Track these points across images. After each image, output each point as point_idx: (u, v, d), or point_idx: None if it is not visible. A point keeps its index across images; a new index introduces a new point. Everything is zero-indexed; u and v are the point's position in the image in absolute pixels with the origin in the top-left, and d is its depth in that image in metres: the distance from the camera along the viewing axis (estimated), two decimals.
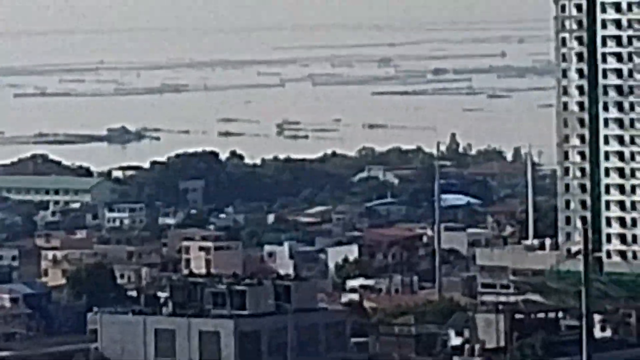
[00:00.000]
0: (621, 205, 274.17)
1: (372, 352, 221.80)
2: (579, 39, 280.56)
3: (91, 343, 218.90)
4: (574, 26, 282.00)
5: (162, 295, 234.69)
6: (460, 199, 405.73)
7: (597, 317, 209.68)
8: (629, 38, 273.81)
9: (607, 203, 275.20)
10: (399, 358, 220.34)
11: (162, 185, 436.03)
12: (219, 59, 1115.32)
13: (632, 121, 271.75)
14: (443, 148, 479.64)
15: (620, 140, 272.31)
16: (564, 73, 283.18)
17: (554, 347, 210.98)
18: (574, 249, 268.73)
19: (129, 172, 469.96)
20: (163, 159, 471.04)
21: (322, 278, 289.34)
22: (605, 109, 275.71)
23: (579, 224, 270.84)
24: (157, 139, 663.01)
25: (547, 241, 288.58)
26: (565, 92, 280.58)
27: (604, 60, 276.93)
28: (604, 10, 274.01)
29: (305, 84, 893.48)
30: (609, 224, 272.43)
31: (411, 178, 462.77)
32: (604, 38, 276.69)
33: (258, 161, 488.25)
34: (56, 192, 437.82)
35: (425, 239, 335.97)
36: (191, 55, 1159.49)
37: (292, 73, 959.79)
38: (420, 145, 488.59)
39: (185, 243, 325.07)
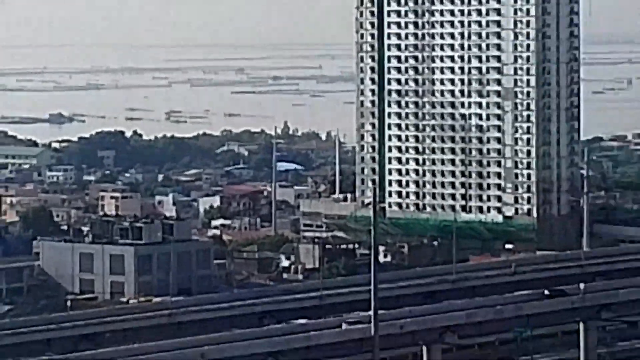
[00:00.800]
0: (399, 171, 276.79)
1: (228, 270, 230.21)
2: (372, 57, 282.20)
3: (35, 261, 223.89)
4: (369, 48, 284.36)
5: (85, 229, 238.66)
6: (290, 166, 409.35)
7: (381, 248, 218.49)
8: (406, 57, 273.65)
9: (390, 170, 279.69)
10: (246, 274, 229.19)
11: (86, 153, 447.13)
12: (127, 67, 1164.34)
13: (407, 115, 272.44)
14: (279, 131, 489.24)
15: (399, 127, 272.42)
16: (362, 80, 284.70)
17: (352, 268, 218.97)
18: (366, 201, 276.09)
19: (64, 144, 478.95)
20: (87, 135, 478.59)
21: (194, 219, 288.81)
22: (389, 105, 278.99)
23: (370, 184, 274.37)
24: (83, 121, 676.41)
25: (349, 195, 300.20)
26: (362, 93, 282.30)
27: (389, 72, 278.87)
28: (389, 37, 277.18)
29: (186, 85, 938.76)
30: (390, 184, 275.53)
31: (257, 151, 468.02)
32: (389, 57, 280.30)
33: (152, 138, 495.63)
34: (13, 157, 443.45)
35: (265, 193, 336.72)
36: (107, 63, 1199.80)
37: (177, 78, 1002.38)
38: (263, 129, 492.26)
39: (101, 193, 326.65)
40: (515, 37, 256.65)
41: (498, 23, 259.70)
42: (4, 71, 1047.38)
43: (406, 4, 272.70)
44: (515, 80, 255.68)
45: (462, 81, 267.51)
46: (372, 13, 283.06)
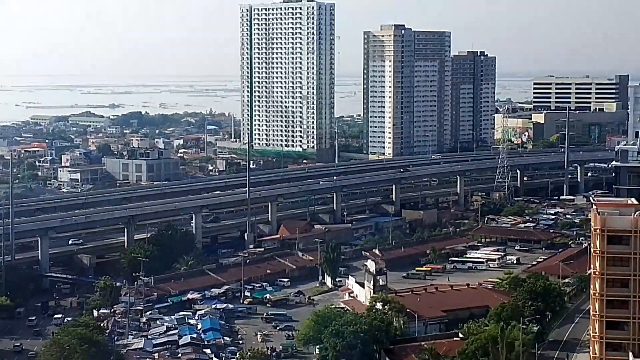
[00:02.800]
0: (258, 129, 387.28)
1: None
2: (247, 77, 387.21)
3: (103, 167, 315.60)
4: (246, 82, 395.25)
5: (124, 153, 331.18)
6: (212, 127, 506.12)
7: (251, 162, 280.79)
8: (260, 77, 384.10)
9: (254, 129, 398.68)
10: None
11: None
12: None
13: (263, 103, 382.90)
14: (209, 112, 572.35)
15: (259, 111, 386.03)
16: (242, 90, 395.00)
17: (243, 169, 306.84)
18: (245, 141, 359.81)
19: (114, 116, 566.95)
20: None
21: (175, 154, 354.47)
22: (253, 102, 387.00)
23: (247, 134, 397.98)
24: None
25: (238, 139, 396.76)
26: (242, 96, 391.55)
27: (253, 84, 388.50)
28: (256, 76, 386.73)
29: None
30: (253, 135, 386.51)
31: (200, 120, 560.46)
32: (254, 76, 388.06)
33: (154, 114, 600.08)
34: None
35: (202, 138, 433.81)
36: None
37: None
38: (201, 111, 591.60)
39: (130, 137, 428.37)
40: (308, 72, 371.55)
41: (300, 61, 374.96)
42: None
43: (259, 50, 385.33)
44: (308, 90, 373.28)
45: (285, 88, 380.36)
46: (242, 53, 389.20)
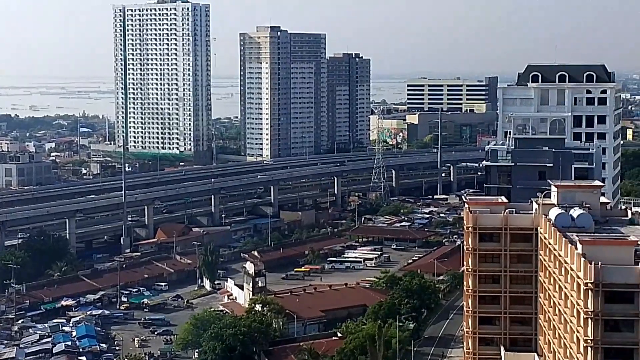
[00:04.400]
0: (133, 131, 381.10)
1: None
2: (120, 79, 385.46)
3: None
4: (120, 84, 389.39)
5: None
6: (86, 129, 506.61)
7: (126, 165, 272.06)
8: (135, 79, 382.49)
9: (128, 131, 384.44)
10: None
11: None
12: None
13: (136, 104, 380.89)
14: (82, 114, 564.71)
15: (134, 113, 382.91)
16: (117, 91, 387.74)
17: (117, 172, 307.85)
18: (120, 144, 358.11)
19: None
20: None
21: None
22: (127, 103, 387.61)
23: (122, 136, 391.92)
24: None
25: (113, 142, 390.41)
26: (117, 97, 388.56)
27: (127, 86, 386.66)
28: (130, 77, 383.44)
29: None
30: (128, 138, 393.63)
31: (72, 122, 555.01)
32: (127, 79, 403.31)
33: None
34: None
35: (75, 141, 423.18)
36: None
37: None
38: (74, 113, 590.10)
39: None
40: (184, 74, 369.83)
41: (175, 63, 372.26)
42: None
43: (134, 51, 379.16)
44: (184, 92, 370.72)
45: (161, 90, 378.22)
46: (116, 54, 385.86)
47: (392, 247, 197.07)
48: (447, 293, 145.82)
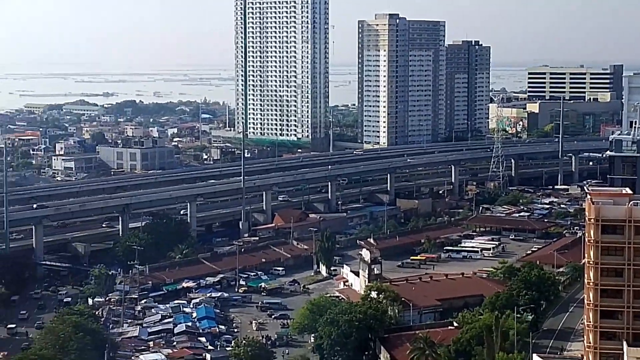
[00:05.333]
0: (253, 117, 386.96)
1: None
2: (241, 67, 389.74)
3: (97, 155, 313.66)
4: (241, 71, 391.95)
5: (118, 141, 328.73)
6: (208, 115, 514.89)
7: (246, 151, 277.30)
8: (254, 67, 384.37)
9: (248, 117, 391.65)
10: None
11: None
12: None
13: (257, 94, 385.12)
14: (203, 100, 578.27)
15: (254, 100, 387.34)
16: (237, 79, 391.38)
17: (237, 158, 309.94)
18: (239, 130, 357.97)
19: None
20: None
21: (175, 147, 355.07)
22: (247, 90, 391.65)
23: (241, 123, 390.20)
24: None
25: (232, 128, 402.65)
26: (237, 85, 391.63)
27: (247, 74, 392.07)
28: (250, 65, 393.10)
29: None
30: (247, 123, 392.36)
31: (194, 109, 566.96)
32: (248, 66, 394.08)
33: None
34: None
35: (197, 126, 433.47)
36: None
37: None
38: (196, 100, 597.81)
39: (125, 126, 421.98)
40: (302, 61, 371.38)
41: (295, 50, 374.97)
42: None
43: (254, 38, 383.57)
44: (302, 79, 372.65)
45: (279, 78, 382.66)
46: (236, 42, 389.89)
47: (510, 237, 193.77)
48: (567, 285, 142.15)
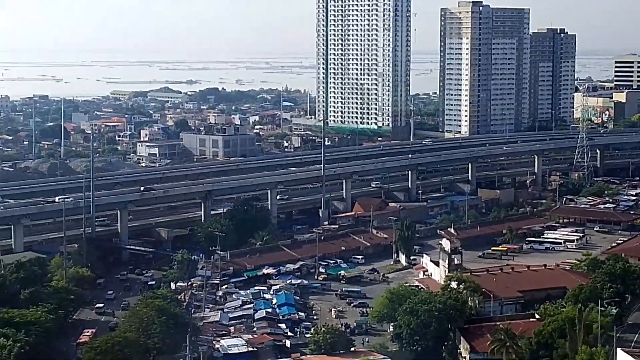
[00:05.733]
0: (333, 105, 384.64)
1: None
2: (322, 55, 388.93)
3: (180, 142, 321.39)
4: (322, 59, 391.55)
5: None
6: (288, 103, 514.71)
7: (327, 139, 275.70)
8: (335, 55, 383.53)
9: (329, 105, 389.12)
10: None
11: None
12: None
13: (338, 81, 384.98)
14: (284, 88, 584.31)
15: (334, 87, 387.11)
16: (318, 67, 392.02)
17: (317, 146, 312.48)
18: (320, 118, 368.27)
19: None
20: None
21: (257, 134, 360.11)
22: (328, 78, 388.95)
23: (322, 110, 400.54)
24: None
25: (313, 116, 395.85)
26: (318, 73, 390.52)
27: (328, 63, 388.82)
28: (331, 53, 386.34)
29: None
30: (328, 111, 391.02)
31: (275, 96, 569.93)
32: (329, 55, 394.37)
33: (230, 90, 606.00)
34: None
35: (277, 114, 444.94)
36: None
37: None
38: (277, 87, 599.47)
39: (207, 113, 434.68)
40: (384, 49, 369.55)
41: (376, 38, 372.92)
42: None
43: (335, 26, 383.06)
44: (383, 67, 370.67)
45: (360, 66, 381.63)
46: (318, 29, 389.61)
47: (595, 229, 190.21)
48: None
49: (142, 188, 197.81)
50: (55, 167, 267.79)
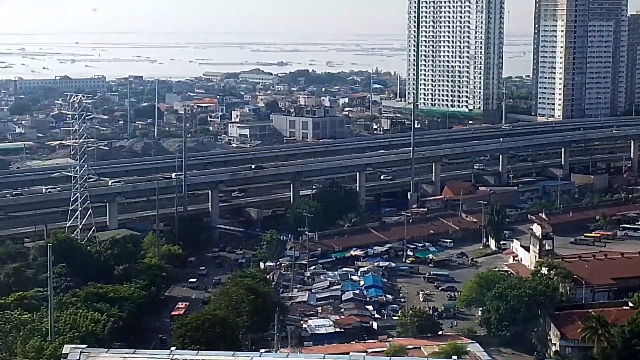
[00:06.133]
0: (423, 88, 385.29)
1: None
2: (412, 38, 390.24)
3: (270, 123, 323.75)
4: (413, 41, 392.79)
5: (291, 110, 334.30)
6: (378, 85, 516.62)
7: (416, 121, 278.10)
8: (426, 37, 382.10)
9: (418, 88, 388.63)
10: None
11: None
12: None
13: (428, 63, 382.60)
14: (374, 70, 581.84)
15: (425, 70, 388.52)
16: (409, 50, 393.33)
17: (407, 129, 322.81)
18: (410, 100, 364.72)
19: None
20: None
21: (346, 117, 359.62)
22: (419, 60, 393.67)
23: (412, 93, 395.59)
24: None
25: (403, 98, 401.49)
26: (409, 55, 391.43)
27: (419, 52, 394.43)
28: (423, 35, 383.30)
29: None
30: (418, 94, 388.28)
31: (365, 78, 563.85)
32: (420, 38, 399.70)
33: (320, 72, 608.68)
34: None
35: (367, 96, 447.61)
36: None
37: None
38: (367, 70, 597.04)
39: (297, 95, 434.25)
40: (476, 31, 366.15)
41: (468, 20, 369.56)
42: None
43: (427, 8, 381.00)
44: (475, 50, 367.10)
45: (452, 48, 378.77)
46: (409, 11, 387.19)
47: None
48: None
49: (253, 166, 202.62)
50: (149, 146, 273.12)
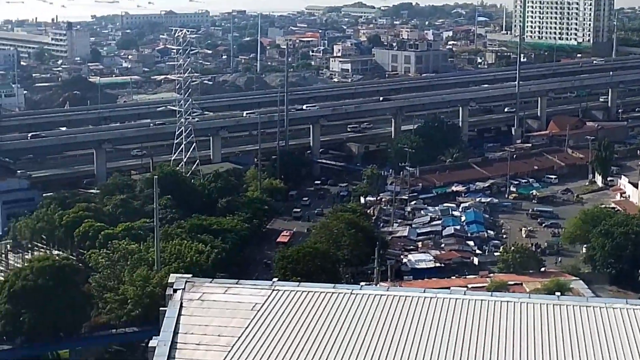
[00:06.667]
0: (531, 19, 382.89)
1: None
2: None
3: (373, 57, 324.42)
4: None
5: (394, 44, 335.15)
6: (483, 18, 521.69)
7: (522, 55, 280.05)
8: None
9: (528, 19, 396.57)
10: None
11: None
12: None
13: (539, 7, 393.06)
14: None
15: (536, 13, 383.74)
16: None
17: (512, 61, 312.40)
18: (516, 33, 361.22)
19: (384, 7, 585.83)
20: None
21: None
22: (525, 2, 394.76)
23: (519, 26, 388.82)
24: None
25: (509, 31, 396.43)
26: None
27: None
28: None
29: None
30: (525, 27, 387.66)
31: (471, 11, 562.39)
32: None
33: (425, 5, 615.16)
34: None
35: (472, 29, 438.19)
36: None
37: None
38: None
39: (399, 28, 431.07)
40: None
41: None
42: None
43: None
44: None
45: None
46: None
47: None
48: None
49: (381, 98, 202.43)
50: (252, 81, 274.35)
